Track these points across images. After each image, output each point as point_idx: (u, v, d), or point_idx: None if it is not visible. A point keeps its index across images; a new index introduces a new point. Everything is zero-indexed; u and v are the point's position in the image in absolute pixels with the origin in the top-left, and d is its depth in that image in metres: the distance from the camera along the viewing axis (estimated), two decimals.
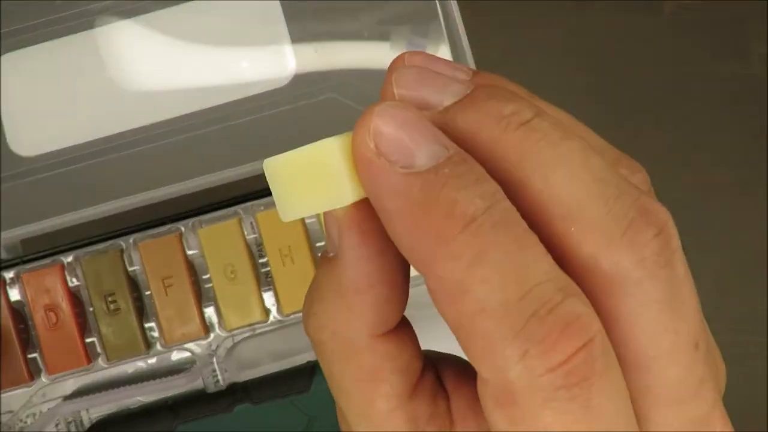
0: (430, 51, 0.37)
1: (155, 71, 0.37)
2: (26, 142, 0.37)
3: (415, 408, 0.16)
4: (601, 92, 0.59)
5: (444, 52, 0.34)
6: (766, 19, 0.60)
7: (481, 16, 0.58)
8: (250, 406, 0.31)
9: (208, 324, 0.32)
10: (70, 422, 0.34)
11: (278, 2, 0.37)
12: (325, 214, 0.16)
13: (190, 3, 0.37)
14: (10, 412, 0.33)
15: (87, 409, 0.33)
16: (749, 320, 0.59)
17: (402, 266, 0.16)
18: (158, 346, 0.32)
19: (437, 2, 0.35)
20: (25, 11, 0.37)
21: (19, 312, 0.32)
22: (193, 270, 0.31)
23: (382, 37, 0.37)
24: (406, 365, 0.16)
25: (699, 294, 0.38)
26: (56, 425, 0.33)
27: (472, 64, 0.33)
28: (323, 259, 0.16)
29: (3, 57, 0.37)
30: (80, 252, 0.32)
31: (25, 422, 0.33)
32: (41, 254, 0.32)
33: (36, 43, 0.37)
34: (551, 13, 0.59)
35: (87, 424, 0.34)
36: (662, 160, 0.58)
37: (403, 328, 0.16)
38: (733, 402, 0.51)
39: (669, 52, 0.60)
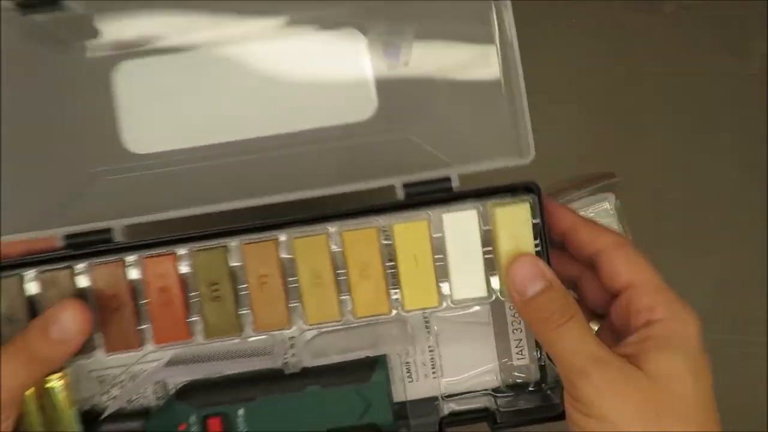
0: None
1: (254, 94, 0.43)
2: (139, 141, 0.43)
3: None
4: (601, 92, 0.59)
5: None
6: (766, 19, 0.59)
7: None
8: (319, 389, 0.38)
9: (292, 317, 0.38)
10: (157, 384, 0.40)
11: (365, 42, 0.43)
12: None
13: (289, 39, 0.43)
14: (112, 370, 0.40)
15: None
16: (749, 320, 0.59)
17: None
18: (249, 330, 0.38)
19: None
20: (143, 24, 0.43)
21: (135, 288, 0.38)
22: (285, 271, 0.38)
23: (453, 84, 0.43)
24: None
25: (699, 294, 0.56)
26: (143, 389, 0.40)
27: None
28: None
29: (120, 65, 0.43)
30: (192, 245, 0.38)
31: (126, 383, 0.39)
32: (157, 242, 0.38)
33: (154, 55, 0.43)
34: (551, 13, 0.59)
35: (171, 388, 0.40)
36: (662, 160, 0.59)
37: None
38: (733, 402, 0.48)
39: (669, 51, 0.59)
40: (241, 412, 0.38)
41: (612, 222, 0.57)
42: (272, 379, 0.38)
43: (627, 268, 0.36)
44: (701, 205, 0.59)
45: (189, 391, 0.39)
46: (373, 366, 0.38)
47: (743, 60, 0.60)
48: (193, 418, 0.38)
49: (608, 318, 0.38)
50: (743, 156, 0.59)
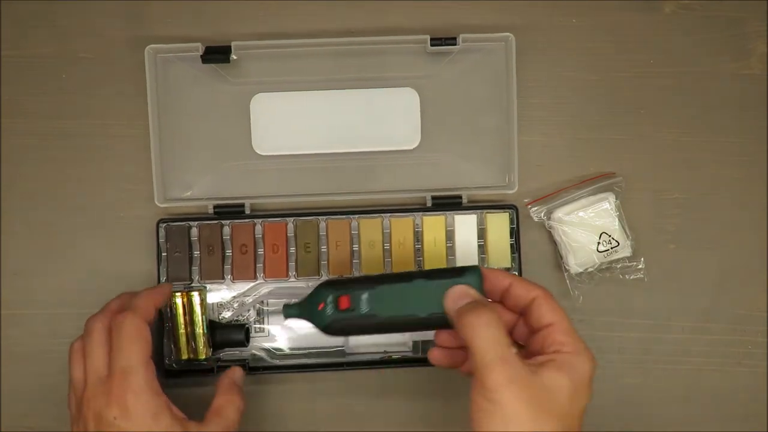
0: None
1: (340, 123, 0.63)
2: (263, 146, 0.64)
3: None
4: (601, 92, 0.60)
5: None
6: (766, 19, 0.59)
7: (479, 18, 0.61)
8: (424, 280, 0.48)
9: (352, 268, 0.60)
10: (257, 309, 0.62)
11: (417, 98, 0.64)
12: None
13: (369, 90, 0.64)
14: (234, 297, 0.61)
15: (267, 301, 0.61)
16: (749, 320, 0.59)
17: None
18: (326, 275, 0.60)
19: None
20: (271, 72, 0.64)
21: (257, 241, 0.60)
22: (351, 239, 0.60)
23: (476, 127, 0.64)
24: None
25: (700, 293, 0.60)
26: (252, 307, 0.61)
27: None
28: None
29: (256, 95, 0.64)
30: (295, 219, 0.60)
31: (237, 307, 0.61)
32: (273, 214, 0.60)
33: (276, 91, 0.64)
34: (551, 13, 0.60)
35: (265, 313, 0.61)
36: (662, 159, 0.60)
37: None
38: (733, 402, 0.60)
39: (669, 51, 0.60)
40: (365, 295, 0.48)
41: (612, 222, 0.58)
42: (390, 275, 0.51)
43: (551, 313, 0.46)
44: (701, 205, 0.60)
45: (327, 283, 0.51)
46: (465, 270, 0.48)
47: (743, 60, 0.59)
48: (329, 298, 0.49)
49: (527, 347, 0.48)
50: (743, 156, 0.60)
